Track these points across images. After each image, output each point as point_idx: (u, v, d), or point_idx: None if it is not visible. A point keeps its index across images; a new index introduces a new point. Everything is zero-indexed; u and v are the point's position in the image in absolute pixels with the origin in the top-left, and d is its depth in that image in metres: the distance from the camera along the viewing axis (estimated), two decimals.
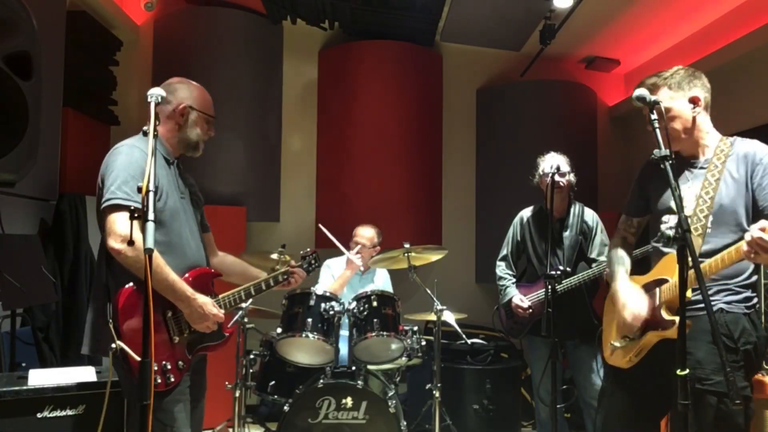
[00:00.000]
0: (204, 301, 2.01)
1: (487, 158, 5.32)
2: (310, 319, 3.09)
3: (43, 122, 2.26)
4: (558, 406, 2.61)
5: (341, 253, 4.06)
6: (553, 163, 3.16)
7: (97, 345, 1.96)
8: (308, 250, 2.75)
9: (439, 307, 3.13)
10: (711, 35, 4.30)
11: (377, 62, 4.96)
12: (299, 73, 5.10)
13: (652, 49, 4.94)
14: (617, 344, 2.19)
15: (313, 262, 2.72)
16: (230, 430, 3.35)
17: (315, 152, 5.13)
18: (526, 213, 3.44)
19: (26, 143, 2.16)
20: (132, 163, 1.92)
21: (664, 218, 2.16)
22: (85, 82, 4.07)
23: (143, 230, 1.61)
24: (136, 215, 1.71)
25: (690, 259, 1.67)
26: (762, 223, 1.69)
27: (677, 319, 1.89)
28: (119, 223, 1.85)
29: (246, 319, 3.22)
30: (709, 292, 1.94)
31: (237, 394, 3.17)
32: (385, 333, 3.10)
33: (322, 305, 3.15)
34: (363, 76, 4.96)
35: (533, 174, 3.36)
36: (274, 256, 3.27)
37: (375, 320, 3.12)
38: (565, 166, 3.22)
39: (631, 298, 2.11)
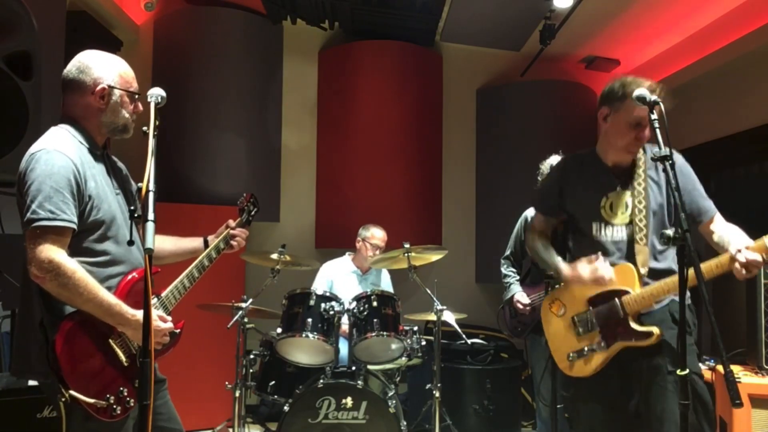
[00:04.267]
0: None
1: (487, 158, 5.32)
2: (310, 319, 3.09)
3: (43, 122, 2.26)
4: (558, 406, 2.60)
5: (340, 254, 4.07)
6: (553, 162, 3.16)
7: (24, 367, 1.75)
8: (243, 197, 2.42)
9: (439, 307, 3.13)
10: (711, 35, 4.30)
11: (377, 62, 4.96)
12: (299, 73, 5.10)
13: (652, 49, 4.93)
14: (577, 355, 2.20)
15: (252, 210, 2.43)
16: (230, 430, 3.35)
17: (315, 152, 5.13)
18: (531, 213, 3.42)
19: (26, 143, 2.15)
20: (54, 173, 1.65)
21: (594, 225, 2.19)
22: None
23: (143, 230, 1.56)
24: (137, 215, 1.67)
25: (688, 258, 1.68)
26: (740, 243, 1.90)
27: (654, 329, 2.03)
28: (41, 248, 1.61)
29: (246, 319, 3.22)
30: None
31: (237, 394, 3.17)
32: (385, 333, 3.10)
33: (322, 305, 3.15)
34: (363, 76, 4.96)
35: (536, 179, 3.33)
36: (274, 256, 3.28)
37: (375, 320, 3.12)
38: None
39: (593, 266, 2.10)
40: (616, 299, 2.10)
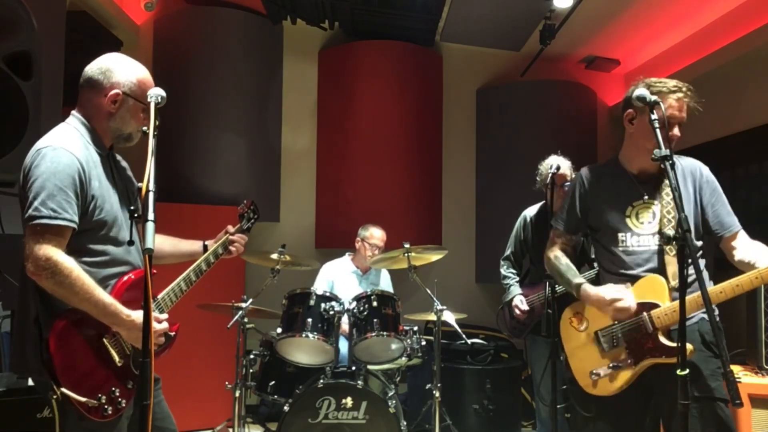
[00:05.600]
0: (141, 320, 1.68)
1: (487, 158, 5.32)
2: (310, 319, 3.09)
3: (43, 122, 2.26)
4: (558, 406, 2.60)
5: (340, 254, 4.07)
6: (553, 162, 3.16)
7: (21, 363, 1.74)
8: (243, 203, 2.42)
9: (439, 307, 3.12)
10: (711, 35, 4.30)
11: (377, 62, 4.96)
12: (299, 73, 5.10)
13: (652, 49, 4.94)
14: (602, 372, 2.09)
15: (252, 217, 2.44)
16: (230, 430, 3.35)
17: (315, 152, 5.13)
18: (530, 212, 3.42)
19: (26, 143, 2.15)
20: (59, 171, 1.65)
21: (621, 236, 2.12)
22: None
23: (143, 230, 1.56)
24: (136, 215, 1.67)
25: (689, 258, 1.68)
26: None
27: (687, 344, 1.90)
28: (39, 245, 1.61)
29: (246, 319, 3.21)
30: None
31: (237, 394, 3.17)
32: (385, 333, 3.10)
33: (322, 305, 3.15)
34: (363, 76, 4.96)
35: (536, 180, 3.33)
36: (274, 256, 3.28)
37: (375, 320, 3.12)
38: (567, 170, 3.20)
39: (617, 293, 2.02)
40: (645, 313, 2.01)
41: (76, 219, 1.68)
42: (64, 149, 1.69)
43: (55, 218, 1.63)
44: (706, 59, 4.31)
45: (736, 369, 2.93)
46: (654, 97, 1.88)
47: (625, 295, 2.02)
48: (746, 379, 2.81)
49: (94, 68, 1.84)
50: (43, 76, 2.26)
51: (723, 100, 4.20)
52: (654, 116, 1.83)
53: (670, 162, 1.74)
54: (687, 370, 1.66)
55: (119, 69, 1.85)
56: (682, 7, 4.12)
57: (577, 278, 2.17)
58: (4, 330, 3.13)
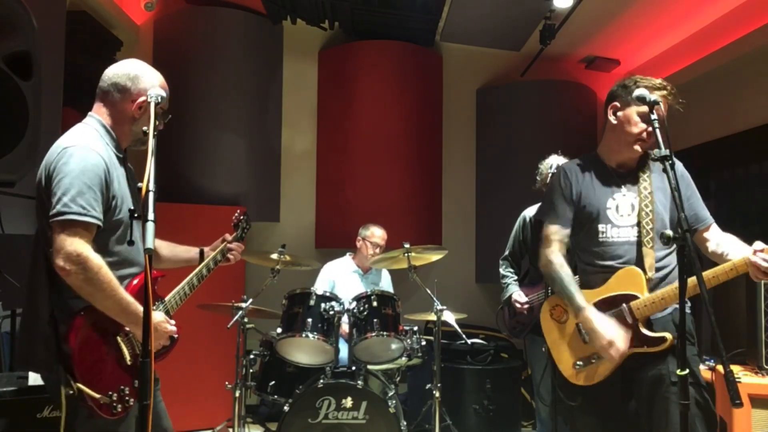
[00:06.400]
0: (158, 320, 1.84)
1: (487, 158, 5.32)
2: (310, 319, 3.09)
3: (43, 122, 2.26)
4: (558, 406, 2.60)
5: (340, 254, 4.07)
6: (552, 162, 3.16)
7: (29, 358, 1.77)
8: (237, 213, 2.52)
9: (439, 307, 3.13)
10: (711, 35, 4.30)
11: (377, 62, 4.96)
12: (299, 73, 5.10)
13: (652, 49, 4.94)
14: (584, 363, 2.12)
15: (245, 226, 2.53)
16: (230, 430, 3.35)
17: (315, 152, 5.13)
18: (530, 213, 3.42)
19: (26, 143, 2.15)
20: (87, 170, 1.69)
21: (601, 227, 2.13)
22: (85, 82, 4.07)
23: (143, 230, 1.58)
24: (136, 215, 1.68)
25: (688, 258, 1.68)
26: (753, 246, 1.85)
27: (666, 334, 1.98)
28: (70, 240, 1.64)
29: (246, 319, 3.21)
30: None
31: (237, 394, 3.17)
32: (385, 333, 3.10)
33: (322, 305, 3.15)
34: (363, 76, 4.96)
35: (535, 179, 3.33)
36: (274, 256, 3.28)
37: (375, 320, 3.12)
38: None
39: (615, 335, 2.00)
40: (624, 305, 2.04)
41: (102, 218, 1.72)
42: (91, 149, 1.73)
43: (85, 215, 1.66)
44: (706, 59, 4.31)
45: (736, 369, 2.93)
46: (654, 97, 1.89)
47: (624, 347, 2.00)
48: (746, 379, 2.80)
49: (120, 73, 1.88)
50: (43, 76, 2.26)
51: (723, 100, 4.20)
52: (654, 116, 1.84)
53: (670, 162, 1.75)
54: (687, 370, 1.66)
55: (146, 76, 1.90)
56: (682, 7, 4.12)
57: (581, 299, 2.09)
58: (4, 330, 3.13)
